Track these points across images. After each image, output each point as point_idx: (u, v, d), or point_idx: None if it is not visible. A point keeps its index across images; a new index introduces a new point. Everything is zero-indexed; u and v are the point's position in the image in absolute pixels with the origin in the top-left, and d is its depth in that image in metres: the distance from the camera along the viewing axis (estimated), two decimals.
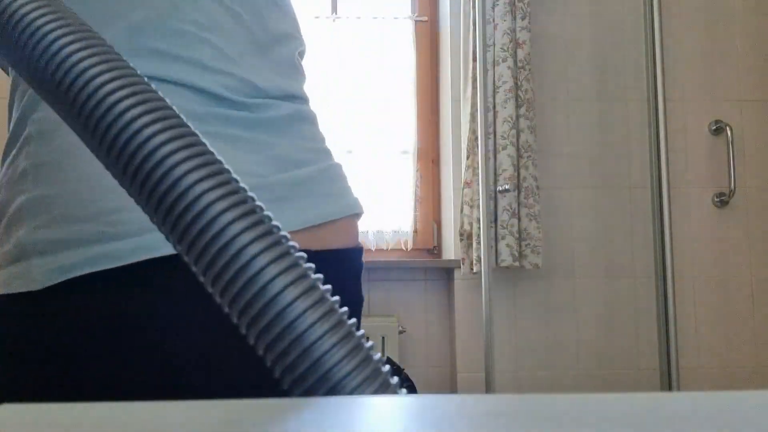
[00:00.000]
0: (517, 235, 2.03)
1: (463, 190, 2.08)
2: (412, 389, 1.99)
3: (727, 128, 2.17)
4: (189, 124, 0.20)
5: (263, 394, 0.19)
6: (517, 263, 2.02)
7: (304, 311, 0.18)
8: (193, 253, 0.19)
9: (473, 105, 2.07)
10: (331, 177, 0.55)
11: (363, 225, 2.29)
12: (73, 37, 0.20)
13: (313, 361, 0.17)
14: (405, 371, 1.92)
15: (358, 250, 0.56)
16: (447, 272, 2.25)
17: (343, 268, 0.54)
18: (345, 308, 0.18)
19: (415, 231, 2.36)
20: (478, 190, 1.96)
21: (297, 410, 0.15)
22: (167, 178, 0.19)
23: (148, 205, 0.19)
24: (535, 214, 2.04)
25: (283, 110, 0.53)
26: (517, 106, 2.08)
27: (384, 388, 0.18)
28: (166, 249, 0.45)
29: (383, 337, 2.10)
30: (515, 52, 2.09)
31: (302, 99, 0.57)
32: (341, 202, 0.55)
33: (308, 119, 0.56)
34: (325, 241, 0.52)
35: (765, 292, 2.19)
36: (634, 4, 2.27)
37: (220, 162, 0.19)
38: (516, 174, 2.05)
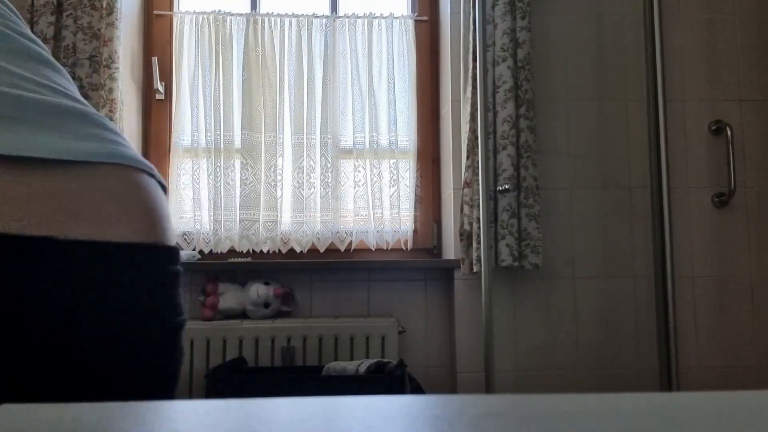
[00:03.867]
0: (516, 235, 2.03)
1: (463, 190, 2.08)
2: (418, 389, 1.99)
3: (727, 128, 2.17)
4: None
5: None
6: (516, 263, 2.02)
7: None
8: None
9: (473, 105, 2.07)
10: None
11: (363, 225, 2.29)
12: None
13: None
14: (408, 369, 1.91)
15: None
16: (447, 272, 2.25)
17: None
18: None
19: (415, 231, 2.36)
20: (478, 190, 1.95)
21: (301, 408, 0.15)
22: None
23: None
24: (535, 214, 2.04)
25: None
26: (517, 106, 2.08)
27: None
28: None
29: (383, 337, 2.10)
30: (515, 52, 2.09)
31: None
32: None
33: None
34: None
35: (765, 292, 2.19)
36: (634, 4, 2.27)
37: None
38: (516, 174, 2.05)
